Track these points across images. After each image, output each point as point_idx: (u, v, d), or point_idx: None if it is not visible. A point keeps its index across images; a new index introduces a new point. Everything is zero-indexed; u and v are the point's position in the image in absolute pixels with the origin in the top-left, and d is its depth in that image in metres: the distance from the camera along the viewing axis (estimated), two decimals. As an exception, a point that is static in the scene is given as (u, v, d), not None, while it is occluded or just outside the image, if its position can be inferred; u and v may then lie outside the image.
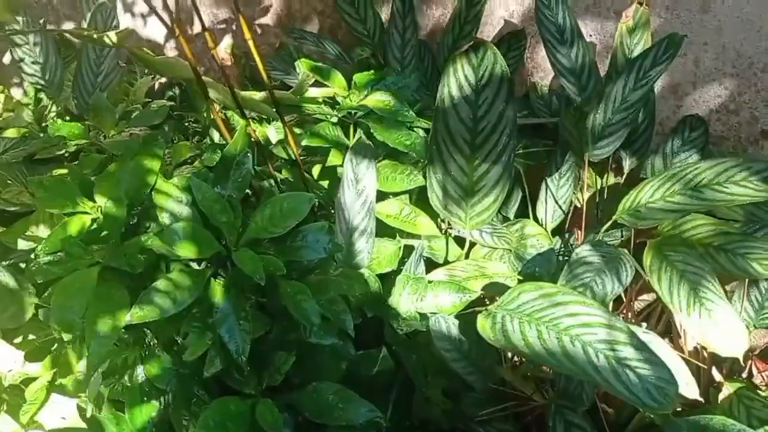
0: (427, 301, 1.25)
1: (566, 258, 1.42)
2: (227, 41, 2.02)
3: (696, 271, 1.18)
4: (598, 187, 1.58)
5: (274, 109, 1.21)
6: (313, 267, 1.17)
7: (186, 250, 1.03)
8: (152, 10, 0.98)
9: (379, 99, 1.32)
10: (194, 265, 1.12)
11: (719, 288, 1.16)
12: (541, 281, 1.23)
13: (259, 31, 1.97)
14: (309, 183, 1.33)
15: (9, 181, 1.54)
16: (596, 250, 1.23)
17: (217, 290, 1.05)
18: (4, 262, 1.33)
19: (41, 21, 1.86)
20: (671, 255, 1.22)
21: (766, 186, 1.20)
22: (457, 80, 1.16)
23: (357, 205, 1.21)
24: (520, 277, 1.36)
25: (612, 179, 1.57)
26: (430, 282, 1.27)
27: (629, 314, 1.56)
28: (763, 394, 1.32)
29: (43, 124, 1.72)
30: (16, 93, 1.97)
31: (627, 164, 1.49)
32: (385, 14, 1.74)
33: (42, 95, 1.79)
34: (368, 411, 1.08)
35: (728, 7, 1.36)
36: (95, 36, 1.12)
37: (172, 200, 1.10)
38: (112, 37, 1.06)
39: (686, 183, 1.25)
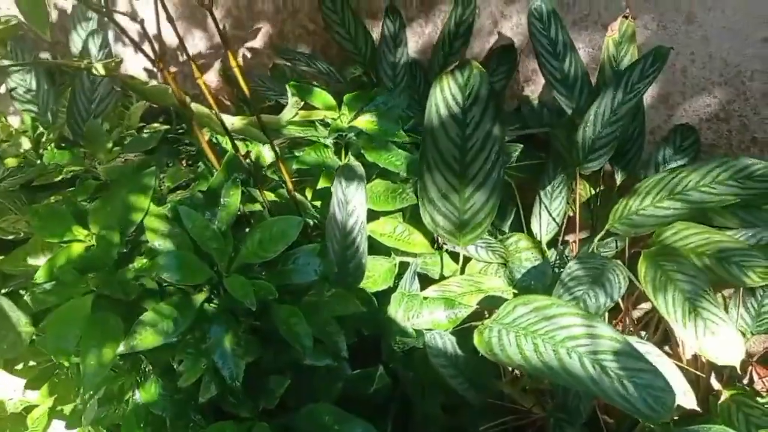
0: (423, 318, 1.26)
1: (562, 270, 1.43)
2: (221, 63, 2.04)
3: (691, 281, 1.18)
4: (592, 198, 1.58)
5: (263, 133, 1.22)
6: (306, 288, 1.18)
7: (178, 278, 1.04)
8: (136, 46, 0.99)
9: (368, 120, 1.32)
10: (190, 290, 1.13)
11: (714, 297, 1.16)
12: (537, 294, 1.24)
13: (249, 55, 1.99)
14: (302, 205, 1.33)
15: (10, 209, 1.56)
16: (588, 263, 1.23)
17: (210, 316, 1.05)
18: (2, 290, 1.34)
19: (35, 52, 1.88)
20: (665, 265, 1.22)
21: (751, 183, 1.21)
22: (445, 99, 1.17)
23: (348, 226, 1.22)
24: (516, 291, 1.37)
25: (605, 190, 1.57)
26: (425, 298, 1.28)
27: (627, 322, 1.57)
28: (762, 400, 1.32)
29: (41, 151, 1.74)
30: (14, 121, 1.98)
31: (619, 175, 1.50)
32: (376, 33, 1.76)
33: (38, 122, 1.80)
34: (364, 431, 1.08)
35: (713, 18, 1.37)
36: (85, 66, 1.14)
37: (164, 227, 1.11)
38: (100, 68, 1.07)
39: (674, 187, 1.26)
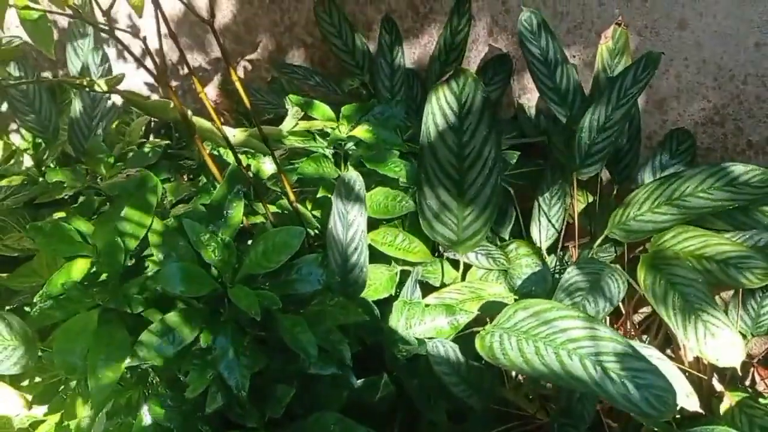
0: (426, 325, 1.26)
1: (562, 275, 1.44)
2: (219, 78, 2.06)
3: (690, 284, 1.19)
4: (590, 204, 1.59)
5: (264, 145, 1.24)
6: (309, 298, 1.19)
7: (183, 290, 1.05)
8: (138, 62, 1.01)
9: (366, 129, 1.34)
10: (194, 302, 1.14)
11: (714, 299, 1.17)
12: (536, 299, 1.24)
13: (250, 67, 2.01)
14: (304, 215, 1.35)
15: (14, 227, 1.57)
16: (588, 268, 1.24)
17: (215, 327, 1.06)
18: (7, 307, 1.35)
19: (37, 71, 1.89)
20: (665, 269, 1.23)
21: (748, 188, 1.22)
22: (441, 108, 1.19)
23: (349, 236, 1.23)
24: (517, 297, 1.38)
25: (603, 195, 1.58)
26: (427, 306, 1.29)
27: (629, 326, 1.57)
28: (764, 401, 1.33)
29: (43, 169, 1.75)
30: (16, 139, 2.00)
31: (616, 180, 1.51)
32: (373, 45, 1.78)
33: (40, 140, 1.82)
34: (369, 439, 1.09)
35: (705, 23, 1.38)
36: (86, 83, 1.15)
37: (167, 241, 1.12)
38: (102, 84, 1.09)
39: (671, 194, 1.27)
